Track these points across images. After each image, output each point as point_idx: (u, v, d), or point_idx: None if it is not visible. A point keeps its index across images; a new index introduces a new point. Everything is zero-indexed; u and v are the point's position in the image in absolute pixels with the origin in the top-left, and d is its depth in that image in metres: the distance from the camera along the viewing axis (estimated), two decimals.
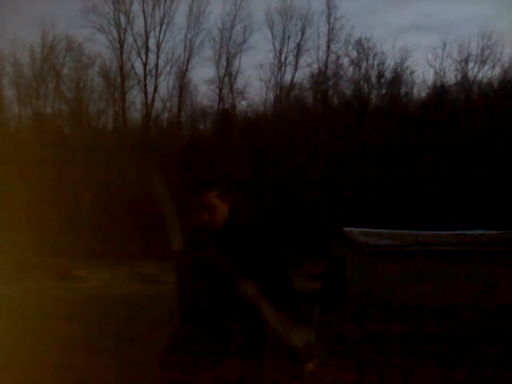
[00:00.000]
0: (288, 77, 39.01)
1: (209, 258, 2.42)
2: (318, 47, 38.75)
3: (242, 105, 46.47)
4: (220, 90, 39.05)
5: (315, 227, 27.75)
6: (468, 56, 37.13)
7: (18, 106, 38.06)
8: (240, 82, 51.68)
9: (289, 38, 39.20)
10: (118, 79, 38.57)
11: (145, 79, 38.65)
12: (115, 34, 38.25)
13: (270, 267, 2.42)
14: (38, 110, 37.51)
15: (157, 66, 38.75)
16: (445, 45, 39.43)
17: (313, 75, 38.88)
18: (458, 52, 39.52)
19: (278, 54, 39.11)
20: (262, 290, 2.37)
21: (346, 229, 17.59)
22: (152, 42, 38.76)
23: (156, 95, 38.93)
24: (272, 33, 39.75)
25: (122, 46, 38.43)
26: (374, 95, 38.38)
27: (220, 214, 2.46)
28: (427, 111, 35.35)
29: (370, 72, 37.69)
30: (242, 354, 2.33)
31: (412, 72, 39.97)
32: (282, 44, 39.20)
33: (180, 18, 70.95)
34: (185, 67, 39.05)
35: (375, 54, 37.61)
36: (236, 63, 39.59)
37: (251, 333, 2.37)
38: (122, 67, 38.30)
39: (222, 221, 2.46)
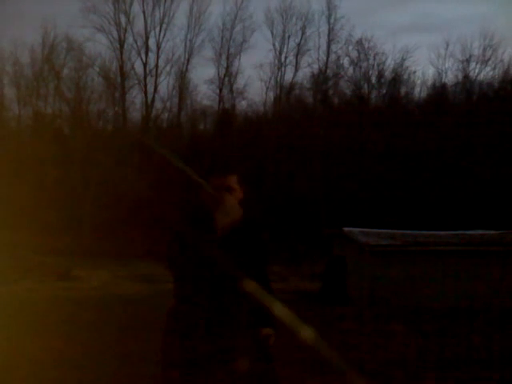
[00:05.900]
0: (288, 77, 39.05)
1: (212, 255, 2.39)
2: (319, 47, 38.82)
3: (242, 105, 46.54)
4: (220, 90, 39.10)
5: (315, 227, 27.73)
6: (470, 56, 37.15)
7: (18, 106, 38.14)
8: (240, 82, 51.94)
9: (289, 37, 39.24)
10: (118, 79, 38.62)
11: (145, 79, 38.70)
12: (115, 34, 38.34)
13: (261, 260, 2.53)
14: (38, 110, 37.54)
15: (157, 66, 38.81)
16: (447, 45, 39.59)
17: (313, 75, 38.94)
18: (460, 52, 39.63)
19: (277, 53, 39.14)
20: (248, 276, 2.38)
21: (345, 229, 17.59)
22: (152, 41, 38.85)
23: (156, 95, 39.01)
24: (272, 33, 39.80)
25: (122, 46, 38.47)
26: (373, 95, 38.42)
27: (237, 200, 2.43)
28: (427, 111, 35.34)
29: (370, 72, 37.71)
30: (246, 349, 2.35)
31: (412, 72, 40.02)
32: (282, 44, 39.24)
33: (180, 17, 71.31)
34: (185, 67, 39.13)
35: (375, 54, 37.64)
36: (236, 63, 39.68)
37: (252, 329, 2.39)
38: (121, 67, 38.31)
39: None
